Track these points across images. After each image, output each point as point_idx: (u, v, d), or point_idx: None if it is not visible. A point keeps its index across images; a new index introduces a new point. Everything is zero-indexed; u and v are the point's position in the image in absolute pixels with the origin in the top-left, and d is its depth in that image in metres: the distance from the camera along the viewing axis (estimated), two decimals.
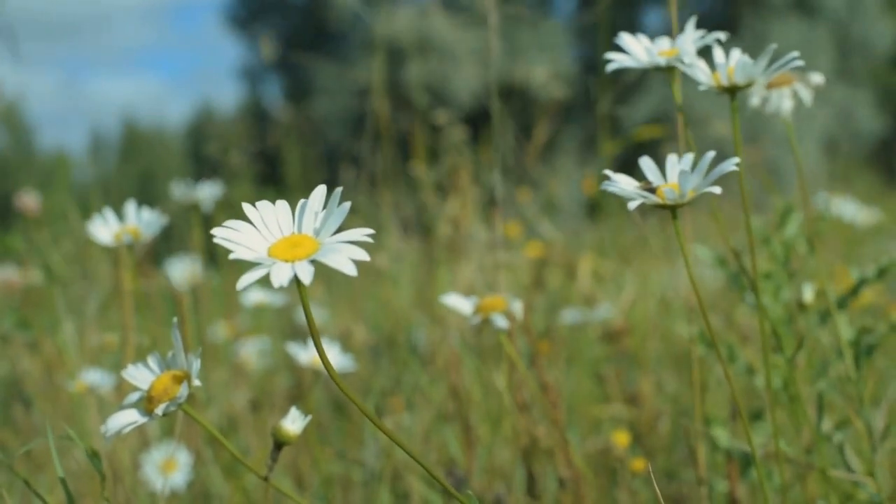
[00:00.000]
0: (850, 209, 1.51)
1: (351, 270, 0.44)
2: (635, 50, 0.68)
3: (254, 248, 0.48)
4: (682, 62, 0.65)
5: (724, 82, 0.64)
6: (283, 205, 0.50)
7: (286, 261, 0.47)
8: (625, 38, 0.68)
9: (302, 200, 0.50)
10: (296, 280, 0.46)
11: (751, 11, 8.86)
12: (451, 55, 8.44)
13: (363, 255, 0.45)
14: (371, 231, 0.46)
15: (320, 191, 0.50)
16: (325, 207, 0.49)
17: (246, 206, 0.50)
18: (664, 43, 0.68)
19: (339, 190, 0.48)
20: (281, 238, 0.49)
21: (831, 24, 8.99)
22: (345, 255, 0.45)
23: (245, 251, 0.47)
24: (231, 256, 0.46)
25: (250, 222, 0.49)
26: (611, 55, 0.67)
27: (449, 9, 8.64)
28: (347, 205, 0.48)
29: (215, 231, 0.48)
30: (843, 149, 8.10)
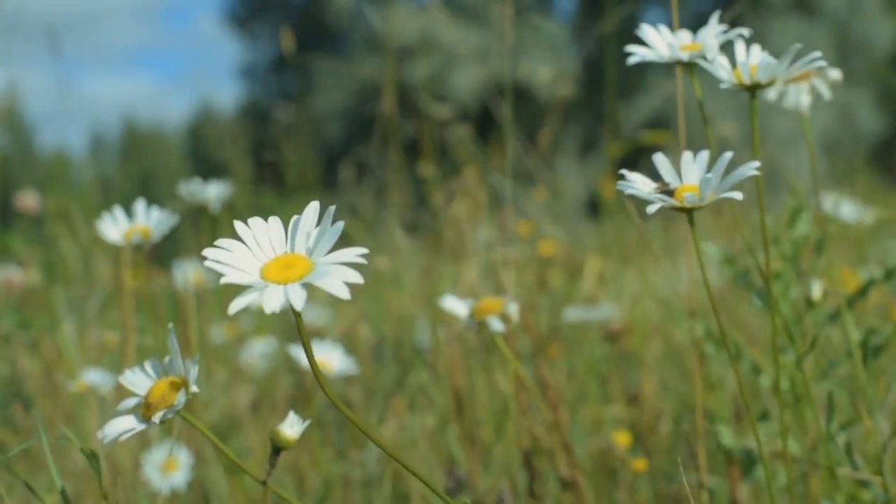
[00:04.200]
0: (854, 209, 1.51)
1: (344, 294, 0.44)
2: (657, 44, 0.67)
3: (245, 270, 0.47)
4: (703, 58, 0.64)
5: (746, 80, 0.63)
6: (275, 222, 0.49)
7: (279, 283, 0.46)
8: (647, 31, 0.67)
9: (295, 217, 0.49)
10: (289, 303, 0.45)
11: (750, 11, 8.86)
12: (453, 54, 8.44)
13: (356, 278, 0.44)
14: (364, 250, 0.46)
15: (313, 208, 0.49)
16: (319, 224, 0.48)
17: (238, 224, 0.49)
18: (685, 37, 0.67)
19: (331, 208, 0.48)
20: (273, 258, 0.48)
21: (831, 23, 8.99)
22: (337, 278, 0.44)
23: (237, 274, 0.46)
24: (222, 280, 0.45)
25: (242, 241, 0.48)
26: (632, 48, 0.66)
27: (450, 8, 8.64)
28: (341, 224, 0.47)
29: (207, 252, 0.47)
30: (843, 149, 8.10)
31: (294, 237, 0.49)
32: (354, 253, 0.46)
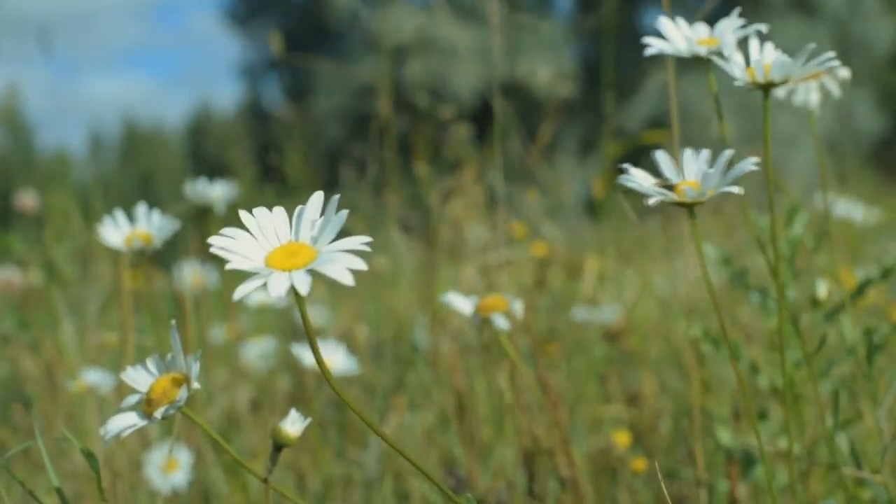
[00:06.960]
0: (854, 209, 1.51)
1: (348, 280, 0.44)
2: (674, 37, 0.66)
3: (251, 257, 0.48)
4: (719, 54, 0.64)
5: (760, 79, 0.62)
6: (280, 211, 0.50)
7: (283, 270, 0.47)
8: (665, 23, 0.67)
9: (300, 207, 0.50)
10: (293, 290, 0.46)
11: (750, 11, 8.85)
12: (453, 53, 8.44)
13: (360, 265, 0.45)
14: (369, 238, 0.46)
15: (317, 197, 0.50)
16: (322, 214, 0.49)
17: (243, 214, 0.50)
18: (702, 31, 0.67)
19: (336, 197, 0.48)
20: (278, 246, 0.49)
21: (831, 23, 8.99)
22: (342, 265, 0.45)
23: (242, 261, 0.47)
24: (228, 266, 0.46)
25: (247, 230, 0.49)
26: (649, 40, 0.65)
27: (450, 7, 8.64)
28: (345, 212, 0.48)
29: (212, 240, 0.48)
30: (843, 149, 8.09)
31: (298, 226, 0.50)
32: (358, 241, 0.46)
